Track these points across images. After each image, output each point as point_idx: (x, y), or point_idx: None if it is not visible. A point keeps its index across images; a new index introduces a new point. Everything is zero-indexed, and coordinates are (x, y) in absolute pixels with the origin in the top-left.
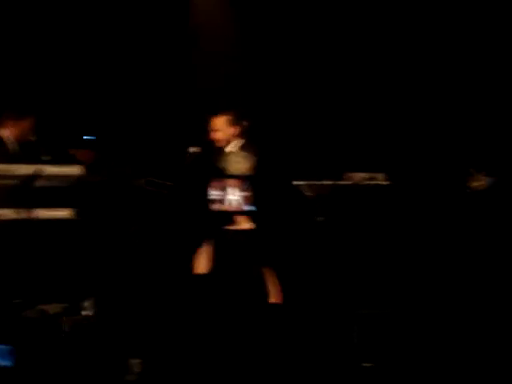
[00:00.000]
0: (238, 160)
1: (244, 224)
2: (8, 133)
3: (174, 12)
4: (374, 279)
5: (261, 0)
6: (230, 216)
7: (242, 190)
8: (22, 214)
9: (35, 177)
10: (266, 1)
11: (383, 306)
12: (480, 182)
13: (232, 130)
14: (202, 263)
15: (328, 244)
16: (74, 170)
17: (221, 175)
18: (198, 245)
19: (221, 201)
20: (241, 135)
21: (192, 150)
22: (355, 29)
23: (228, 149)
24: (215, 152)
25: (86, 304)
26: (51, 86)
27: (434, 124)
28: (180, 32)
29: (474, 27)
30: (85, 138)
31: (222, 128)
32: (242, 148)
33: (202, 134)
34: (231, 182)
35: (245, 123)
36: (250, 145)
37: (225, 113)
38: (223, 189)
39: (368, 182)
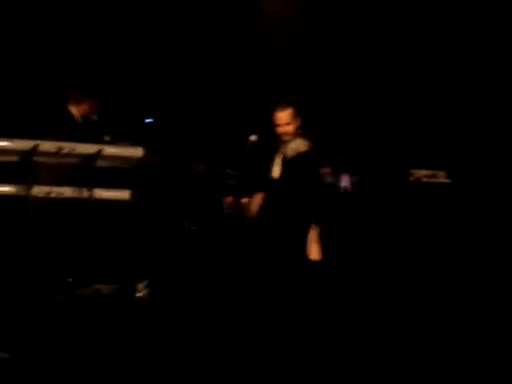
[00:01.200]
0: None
1: None
2: (75, 110)
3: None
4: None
5: None
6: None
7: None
8: (81, 193)
9: (96, 156)
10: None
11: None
12: None
13: (298, 123)
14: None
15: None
16: (134, 151)
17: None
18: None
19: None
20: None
21: (252, 138)
22: (426, 26)
23: (293, 141)
24: (280, 144)
25: (140, 286)
26: (116, 67)
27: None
28: (248, 20)
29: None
30: (146, 121)
31: (291, 121)
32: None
33: (262, 123)
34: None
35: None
36: (308, 137)
37: (289, 104)
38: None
39: (429, 180)
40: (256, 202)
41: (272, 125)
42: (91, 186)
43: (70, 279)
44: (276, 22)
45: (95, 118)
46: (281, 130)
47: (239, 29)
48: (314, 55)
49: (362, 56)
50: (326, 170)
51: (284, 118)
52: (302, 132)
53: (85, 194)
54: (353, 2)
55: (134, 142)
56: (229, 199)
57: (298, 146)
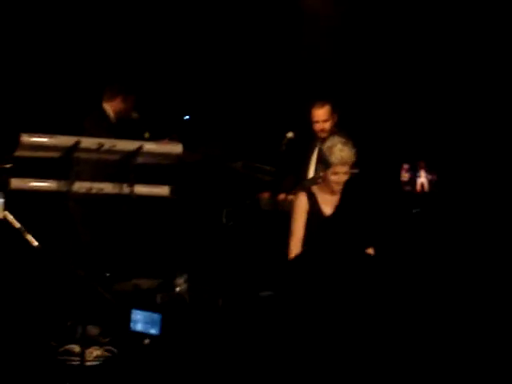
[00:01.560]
0: (342, 148)
1: None
2: (110, 107)
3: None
4: None
5: None
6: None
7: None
8: (122, 189)
9: (136, 153)
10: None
11: None
12: None
13: (334, 119)
14: None
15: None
16: (174, 148)
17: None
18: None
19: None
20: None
21: (289, 135)
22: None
23: (329, 139)
24: (317, 141)
25: (180, 281)
26: (155, 64)
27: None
28: (288, 19)
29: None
30: (184, 118)
31: (328, 118)
32: (336, 135)
33: (299, 119)
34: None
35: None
36: (342, 133)
37: (325, 102)
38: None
39: None
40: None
41: (309, 122)
42: (132, 182)
43: (108, 274)
44: (315, 21)
45: (135, 115)
46: (318, 126)
47: (279, 27)
48: (351, 55)
49: (397, 57)
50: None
51: (321, 114)
52: (338, 129)
53: (125, 190)
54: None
55: (173, 139)
56: (266, 195)
57: (333, 143)
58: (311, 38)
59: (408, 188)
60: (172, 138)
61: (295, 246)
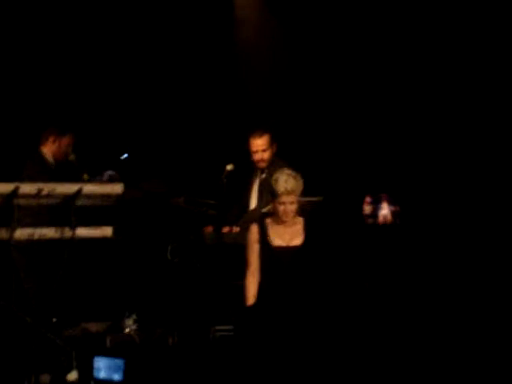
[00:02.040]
0: (287, 179)
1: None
2: (47, 150)
3: (216, 31)
4: None
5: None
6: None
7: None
8: (63, 233)
9: (76, 195)
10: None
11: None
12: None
13: (274, 148)
14: None
15: None
16: (114, 188)
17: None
18: None
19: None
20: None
21: (228, 167)
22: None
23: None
24: (257, 171)
25: (129, 322)
26: (89, 106)
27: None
28: (222, 52)
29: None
30: (122, 157)
31: (267, 147)
32: (273, 165)
33: (237, 152)
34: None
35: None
36: (282, 161)
37: (264, 132)
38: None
39: None
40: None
41: (248, 152)
42: (73, 225)
43: (55, 319)
44: (251, 49)
45: (72, 157)
46: (257, 156)
47: (214, 59)
48: (290, 83)
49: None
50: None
51: (260, 144)
52: (278, 159)
53: (67, 233)
54: (329, 28)
55: (113, 176)
56: (209, 229)
57: (280, 174)
58: (247, 71)
59: (370, 220)
60: (112, 175)
61: (251, 276)
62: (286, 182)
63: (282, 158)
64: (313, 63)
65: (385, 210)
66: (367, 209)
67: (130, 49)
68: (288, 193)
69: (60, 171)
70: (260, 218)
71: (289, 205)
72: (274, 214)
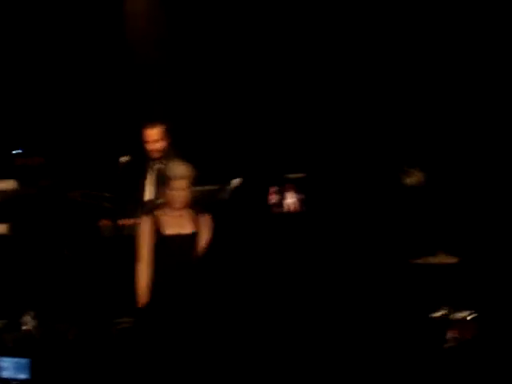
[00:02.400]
0: (178, 164)
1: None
2: None
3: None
4: None
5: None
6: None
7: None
8: None
9: None
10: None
11: None
12: (414, 178)
13: (166, 140)
14: None
15: None
16: (7, 184)
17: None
18: None
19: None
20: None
21: (123, 159)
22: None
23: (164, 159)
24: (150, 163)
25: (27, 318)
26: None
27: (364, 120)
28: (114, 39)
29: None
30: (14, 152)
31: (159, 138)
32: (167, 155)
33: (133, 143)
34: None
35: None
36: (173, 150)
37: (158, 123)
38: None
39: None
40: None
41: (142, 143)
42: None
43: None
44: (141, 41)
45: None
46: (149, 146)
47: (107, 48)
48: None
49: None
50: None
51: (152, 134)
52: (172, 150)
53: None
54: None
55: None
56: (106, 222)
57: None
58: (139, 58)
59: (276, 209)
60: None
61: (143, 271)
62: (178, 167)
63: (179, 148)
64: (202, 53)
65: (290, 199)
66: (273, 198)
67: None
68: (181, 177)
69: None
70: (150, 210)
71: (181, 191)
72: (164, 205)
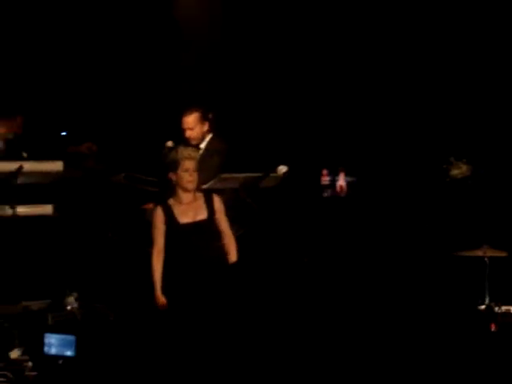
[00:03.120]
0: (184, 147)
1: None
2: None
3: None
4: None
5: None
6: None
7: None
8: (4, 211)
9: (17, 173)
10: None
11: None
12: (460, 170)
13: (204, 127)
14: None
15: None
16: (54, 166)
17: None
18: None
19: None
20: (210, 130)
21: (169, 144)
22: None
23: (202, 145)
24: None
25: (70, 299)
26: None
27: (410, 113)
28: (159, 31)
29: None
30: (62, 134)
31: (194, 126)
32: (211, 143)
33: (178, 129)
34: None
35: (210, 116)
36: (218, 138)
37: (194, 109)
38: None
39: None
40: None
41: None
42: (14, 202)
43: None
44: (191, 28)
45: (10, 135)
46: (186, 134)
47: (154, 36)
48: (231, 61)
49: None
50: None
51: (188, 122)
52: (215, 136)
53: (8, 211)
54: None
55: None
56: (150, 206)
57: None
58: (188, 49)
59: (328, 191)
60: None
61: (157, 255)
62: (186, 149)
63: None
64: (252, 38)
65: (341, 181)
66: (325, 180)
67: (65, 28)
68: (191, 158)
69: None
70: (162, 200)
71: (192, 172)
72: (175, 195)
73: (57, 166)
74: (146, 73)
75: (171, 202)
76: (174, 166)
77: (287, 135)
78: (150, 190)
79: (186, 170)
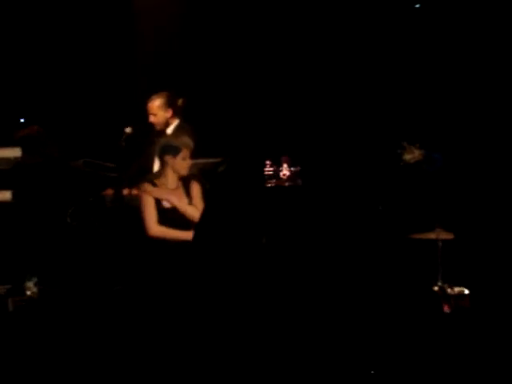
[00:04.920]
0: (183, 134)
1: None
2: None
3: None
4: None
5: None
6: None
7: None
8: None
9: None
10: None
11: None
12: (412, 155)
13: (168, 113)
14: None
15: None
16: (12, 152)
17: None
18: None
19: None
20: (177, 115)
21: (127, 130)
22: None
23: (168, 131)
24: (155, 135)
25: (30, 284)
26: None
27: (365, 97)
28: (120, 12)
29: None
30: (21, 120)
31: (157, 112)
32: (178, 129)
33: (138, 114)
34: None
35: (180, 102)
36: (186, 124)
37: (159, 95)
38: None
39: None
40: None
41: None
42: None
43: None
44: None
45: None
46: (150, 119)
47: (113, 20)
48: (189, 49)
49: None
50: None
51: (152, 108)
52: (182, 122)
53: None
54: None
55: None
56: (109, 192)
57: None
58: (146, 31)
59: (272, 181)
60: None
61: (152, 223)
62: (184, 137)
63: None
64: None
65: (285, 171)
66: (268, 171)
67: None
68: (190, 147)
69: None
70: (149, 181)
71: (187, 160)
72: (160, 177)
73: (15, 152)
74: (107, 55)
75: (158, 182)
76: (174, 150)
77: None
78: (109, 175)
79: (184, 159)
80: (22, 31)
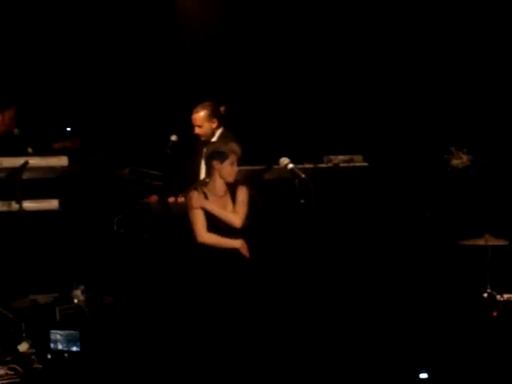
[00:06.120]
0: (233, 143)
1: None
2: None
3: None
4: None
5: None
6: None
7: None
8: (10, 206)
9: (22, 169)
10: None
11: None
12: (460, 160)
13: (214, 124)
14: None
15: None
16: (59, 161)
17: None
18: None
19: None
20: (220, 124)
21: (173, 138)
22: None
23: (213, 140)
24: (200, 144)
25: (77, 292)
26: (31, 77)
27: (411, 103)
28: (164, 22)
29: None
30: (67, 129)
31: (202, 123)
32: (222, 137)
33: (183, 122)
34: None
35: (222, 110)
36: (229, 132)
37: (204, 106)
38: None
39: (347, 165)
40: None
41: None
42: (19, 198)
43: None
44: (193, 23)
45: (16, 131)
46: (195, 130)
47: (158, 31)
48: (233, 56)
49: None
50: None
51: (197, 120)
52: (226, 132)
53: (14, 206)
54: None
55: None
56: (154, 199)
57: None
58: (191, 41)
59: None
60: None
61: (201, 230)
62: (232, 144)
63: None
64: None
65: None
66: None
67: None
68: (237, 154)
69: (4, 145)
70: (196, 188)
71: (234, 166)
72: (208, 184)
73: (62, 161)
74: (151, 66)
75: (206, 189)
76: (222, 156)
77: (287, 128)
78: (154, 184)
79: (232, 164)
80: (70, 41)
